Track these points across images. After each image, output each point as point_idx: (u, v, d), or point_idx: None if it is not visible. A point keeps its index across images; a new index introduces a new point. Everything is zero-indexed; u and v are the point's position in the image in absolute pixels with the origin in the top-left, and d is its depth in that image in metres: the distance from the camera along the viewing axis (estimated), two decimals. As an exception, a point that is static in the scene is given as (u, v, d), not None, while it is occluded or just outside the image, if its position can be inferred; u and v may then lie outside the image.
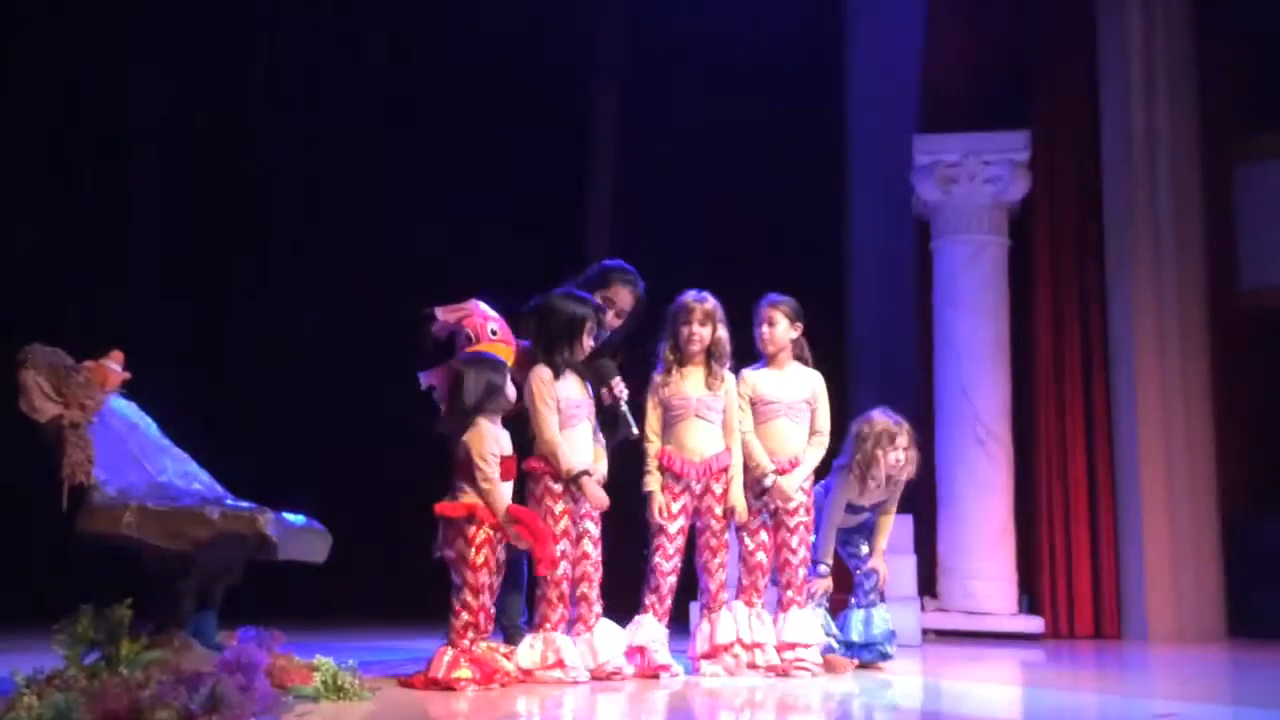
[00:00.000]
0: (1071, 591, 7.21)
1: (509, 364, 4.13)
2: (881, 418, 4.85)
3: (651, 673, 4.29)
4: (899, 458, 4.78)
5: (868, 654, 4.87)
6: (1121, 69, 7.44)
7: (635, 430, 4.37)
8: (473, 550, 3.85)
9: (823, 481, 4.87)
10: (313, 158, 7.61)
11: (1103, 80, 7.53)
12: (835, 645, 4.75)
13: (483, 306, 4.27)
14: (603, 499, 4.22)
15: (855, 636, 4.87)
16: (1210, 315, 7.39)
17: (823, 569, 4.78)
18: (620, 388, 4.37)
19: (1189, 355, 7.24)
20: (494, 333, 4.21)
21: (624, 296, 4.69)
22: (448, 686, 3.75)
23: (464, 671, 3.79)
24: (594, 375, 4.32)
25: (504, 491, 3.92)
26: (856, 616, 4.91)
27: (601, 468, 4.28)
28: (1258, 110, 7.85)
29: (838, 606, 4.96)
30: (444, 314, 4.22)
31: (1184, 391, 7.17)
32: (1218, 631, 7.00)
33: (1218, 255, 7.59)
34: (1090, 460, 7.32)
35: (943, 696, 4.42)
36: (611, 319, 4.66)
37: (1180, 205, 7.34)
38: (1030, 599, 7.28)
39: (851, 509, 4.89)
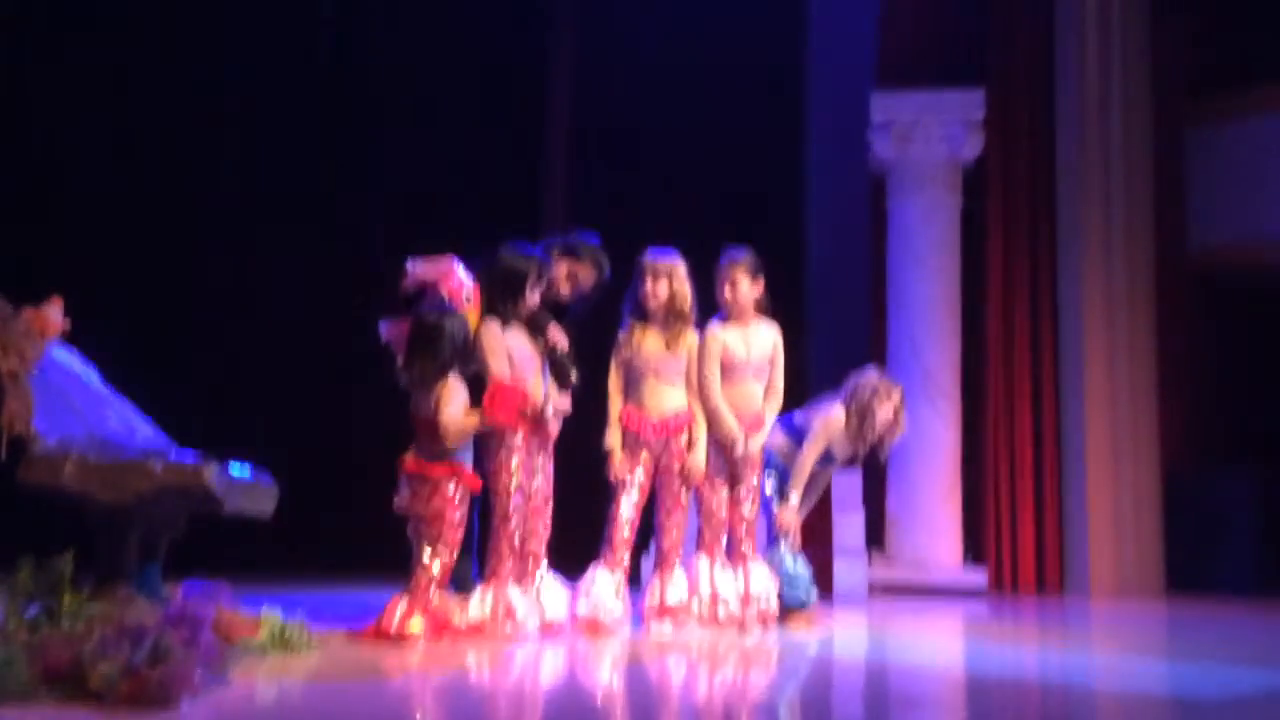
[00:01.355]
0: (1016, 546, 7.33)
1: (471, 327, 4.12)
2: (878, 375, 4.98)
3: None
4: (890, 416, 4.85)
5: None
6: (1077, 29, 7.44)
7: (575, 377, 4.36)
8: (450, 507, 3.86)
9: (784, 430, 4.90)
10: (256, 117, 7.41)
11: (1058, 40, 7.54)
12: (805, 596, 4.75)
13: (460, 269, 4.22)
14: (565, 405, 4.25)
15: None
16: (1158, 274, 7.48)
17: (794, 500, 4.82)
18: (557, 336, 4.35)
19: (1136, 314, 7.33)
20: (468, 299, 4.18)
21: (587, 274, 4.64)
22: (399, 638, 3.75)
23: (416, 624, 3.79)
24: (531, 328, 4.29)
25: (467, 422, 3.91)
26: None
27: (564, 404, 4.27)
28: (1210, 72, 7.92)
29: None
30: (421, 270, 4.16)
31: (1130, 350, 7.28)
32: (1158, 587, 7.15)
33: (1167, 215, 7.67)
34: (1037, 418, 7.42)
35: (888, 649, 4.49)
36: (567, 291, 4.62)
37: (1132, 165, 7.40)
38: (975, 553, 7.40)
39: (824, 459, 4.92)
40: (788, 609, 4.71)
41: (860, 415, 4.82)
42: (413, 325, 3.96)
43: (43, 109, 6.92)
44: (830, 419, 4.84)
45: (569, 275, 4.60)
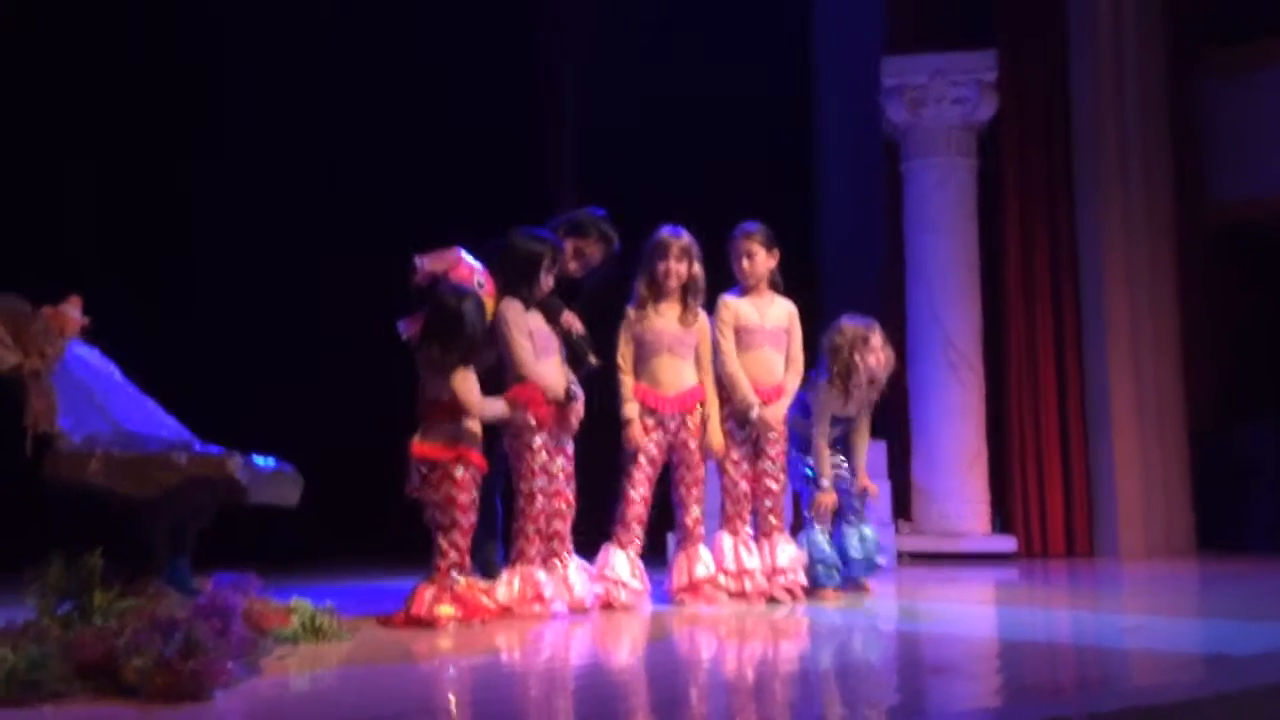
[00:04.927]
0: (1044, 510, 7.29)
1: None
2: (850, 323, 4.82)
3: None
4: (876, 358, 4.77)
5: (864, 568, 4.87)
6: (1089, -17, 7.36)
7: (594, 360, 4.36)
8: (460, 492, 3.86)
9: (792, 406, 4.87)
10: (263, 109, 7.37)
11: (1070, -5, 7.46)
12: (836, 572, 4.74)
13: (467, 257, 4.21)
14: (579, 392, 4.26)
15: (855, 554, 4.85)
16: (1178, 230, 7.41)
17: (824, 484, 4.79)
18: (571, 319, 4.34)
19: (1157, 271, 7.26)
20: (480, 285, 4.17)
21: (594, 251, 4.65)
22: (429, 623, 3.76)
23: (446, 608, 3.80)
24: (544, 312, 4.28)
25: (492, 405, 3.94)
26: (854, 534, 4.88)
27: (578, 392, 4.27)
28: (1225, 23, 7.80)
29: (794, 529, 4.94)
30: (429, 263, 4.16)
31: (1152, 308, 7.21)
32: (1188, 545, 7.11)
33: (1185, 170, 7.58)
34: (1060, 380, 7.37)
35: (920, 617, 4.47)
36: (575, 268, 4.62)
37: (1148, 121, 7.31)
38: (1003, 519, 7.36)
39: (835, 421, 4.88)
40: (819, 587, 4.69)
41: (845, 374, 4.73)
42: (430, 306, 3.94)
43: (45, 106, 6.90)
44: (819, 393, 4.78)
45: (576, 253, 4.61)
